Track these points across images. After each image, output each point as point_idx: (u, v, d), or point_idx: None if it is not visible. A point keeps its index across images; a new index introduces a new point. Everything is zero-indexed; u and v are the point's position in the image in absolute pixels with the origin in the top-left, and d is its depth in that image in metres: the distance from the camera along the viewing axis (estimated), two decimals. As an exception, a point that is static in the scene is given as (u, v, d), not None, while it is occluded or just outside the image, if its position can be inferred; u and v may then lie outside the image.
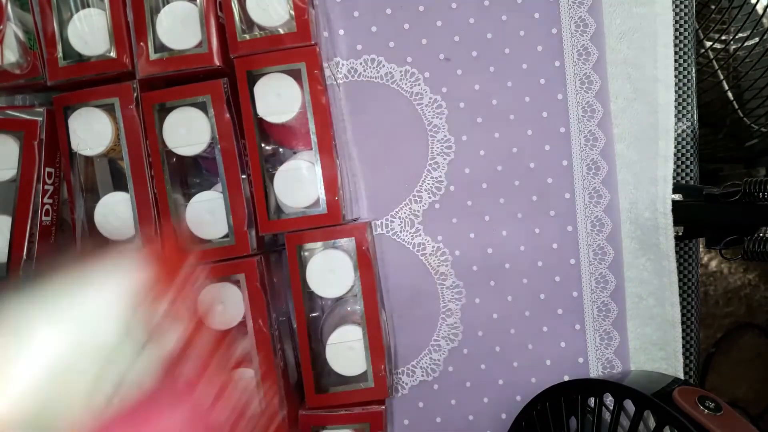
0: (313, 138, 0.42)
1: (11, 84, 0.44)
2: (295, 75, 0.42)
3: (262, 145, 0.43)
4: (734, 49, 0.74)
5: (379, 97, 0.50)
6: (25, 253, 0.43)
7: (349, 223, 0.44)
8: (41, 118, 0.43)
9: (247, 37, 0.42)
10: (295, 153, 0.45)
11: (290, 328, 0.47)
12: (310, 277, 0.43)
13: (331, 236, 0.43)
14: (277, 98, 0.42)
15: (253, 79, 0.42)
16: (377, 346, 0.43)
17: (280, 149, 0.45)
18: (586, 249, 0.50)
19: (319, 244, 0.44)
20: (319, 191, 0.42)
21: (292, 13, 0.41)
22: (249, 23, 0.43)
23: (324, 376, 0.44)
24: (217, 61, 0.41)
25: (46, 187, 0.44)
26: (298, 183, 0.42)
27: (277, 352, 0.43)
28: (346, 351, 0.43)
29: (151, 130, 0.42)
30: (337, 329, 0.43)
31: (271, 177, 0.43)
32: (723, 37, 0.75)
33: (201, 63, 0.41)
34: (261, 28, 0.42)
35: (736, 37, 0.74)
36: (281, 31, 0.42)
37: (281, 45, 0.42)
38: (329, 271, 0.43)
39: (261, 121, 0.42)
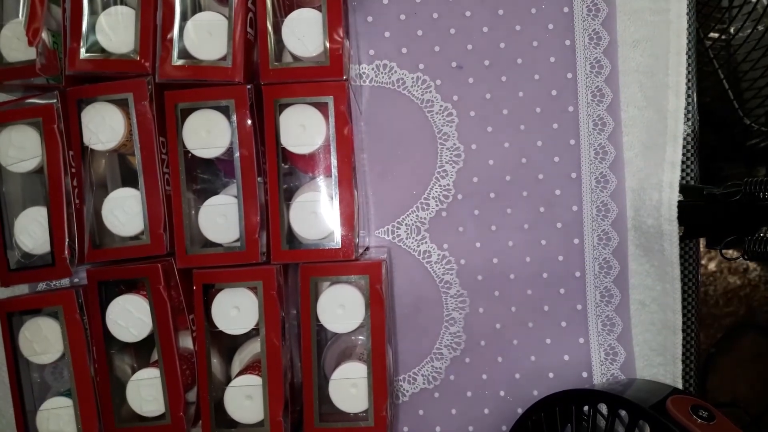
0: (334, 172, 0.42)
1: (28, 82, 0.44)
2: (322, 107, 0.42)
3: (282, 165, 0.43)
4: (734, 48, 0.73)
5: (389, 103, 0.50)
6: (66, 236, 0.43)
7: (362, 255, 0.44)
8: (56, 101, 0.43)
9: (279, 65, 0.41)
10: (312, 177, 0.45)
11: (298, 334, 0.47)
12: (321, 311, 0.43)
13: (347, 272, 0.43)
14: (302, 130, 0.42)
15: (279, 108, 0.42)
16: (381, 384, 0.43)
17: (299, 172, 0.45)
18: (591, 262, 0.50)
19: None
20: (334, 225, 0.42)
21: (327, 45, 0.41)
22: (281, 51, 0.42)
23: (324, 408, 0.44)
24: (239, 78, 0.41)
25: (72, 170, 0.44)
26: (313, 215, 0.42)
27: (286, 364, 0.43)
28: (349, 388, 0.43)
29: (172, 129, 0.42)
30: (342, 365, 0.43)
31: (288, 205, 0.42)
32: (723, 36, 0.74)
33: (223, 77, 0.41)
34: (294, 57, 0.42)
35: (737, 36, 0.73)
36: (314, 63, 0.41)
37: (312, 77, 0.41)
38: (339, 306, 0.43)
39: (282, 149, 0.42)
